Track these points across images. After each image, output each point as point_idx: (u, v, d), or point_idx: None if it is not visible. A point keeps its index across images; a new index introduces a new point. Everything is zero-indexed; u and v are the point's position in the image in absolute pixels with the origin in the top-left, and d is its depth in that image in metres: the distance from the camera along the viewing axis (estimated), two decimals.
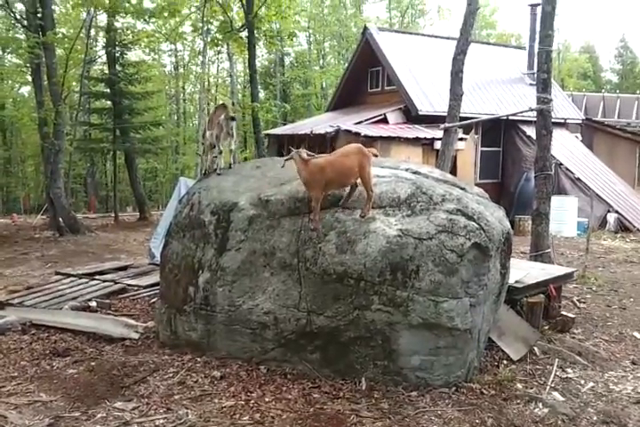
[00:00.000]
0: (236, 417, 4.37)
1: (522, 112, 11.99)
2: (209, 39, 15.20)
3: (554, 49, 10.51)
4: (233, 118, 6.19)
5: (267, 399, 4.68)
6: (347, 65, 21.00)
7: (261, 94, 39.92)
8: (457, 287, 4.72)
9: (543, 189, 9.97)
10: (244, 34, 14.35)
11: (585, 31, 74.40)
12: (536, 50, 19.53)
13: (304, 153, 5.12)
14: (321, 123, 18.37)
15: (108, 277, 8.46)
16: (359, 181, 5.12)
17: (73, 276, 8.47)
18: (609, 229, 15.44)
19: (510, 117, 15.32)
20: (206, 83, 29.88)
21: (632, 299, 8.39)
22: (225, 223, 5.41)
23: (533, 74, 20.21)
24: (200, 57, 28.55)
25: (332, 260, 4.84)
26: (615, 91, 34.04)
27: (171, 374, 5.17)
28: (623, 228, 15.64)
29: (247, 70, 35.20)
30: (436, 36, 19.96)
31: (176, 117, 32.88)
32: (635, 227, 15.24)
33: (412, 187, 5.21)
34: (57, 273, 8.83)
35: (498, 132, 18.49)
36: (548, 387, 5.20)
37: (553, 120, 18.75)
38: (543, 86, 10.19)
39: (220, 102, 6.86)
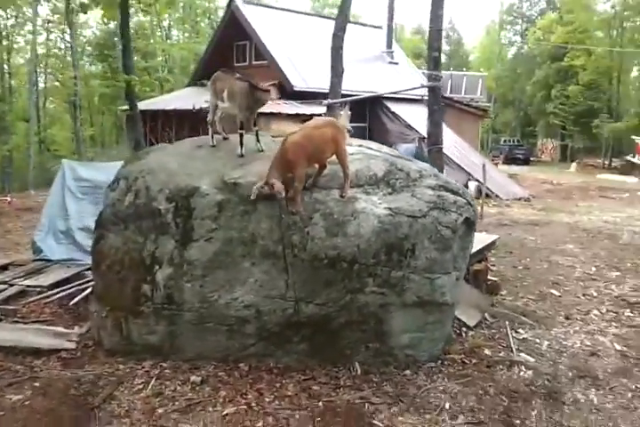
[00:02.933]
0: (249, 425, 3.95)
1: (413, 89, 12.39)
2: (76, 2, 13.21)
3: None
4: None
5: (267, 399, 4.31)
6: (211, 38, 19.99)
7: (94, 67, 36.67)
8: (449, 263, 4.71)
9: (437, 162, 10.46)
10: None
11: (416, 13, 79.85)
12: (393, 29, 20.21)
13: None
14: (185, 98, 17.37)
15: None
16: (333, 158, 4.83)
17: None
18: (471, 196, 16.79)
19: (374, 94, 15.79)
20: (36, 55, 26.66)
21: (528, 259, 9.18)
22: (185, 211, 4.78)
23: (392, 53, 21.12)
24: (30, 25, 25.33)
25: (322, 244, 4.53)
26: (447, 69, 36.77)
27: (140, 386, 4.53)
28: (481, 194, 17.09)
29: (76, 42, 32.14)
30: (302, 13, 19.81)
31: (0, 92, 28.86)
32: (493, 193, 16.71)
33: (386, 163, 5.05)
34: None
35: (363, 108, 18.98)
36: (514, 349, 5.46)
37: (412, 97, 19.73)
38: (434, 64, 10.56)
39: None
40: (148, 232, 4.94)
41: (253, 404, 4.23)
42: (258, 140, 5.30)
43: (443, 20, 10.25)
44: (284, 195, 4.39)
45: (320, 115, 15.13)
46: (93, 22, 33.93)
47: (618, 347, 5.62)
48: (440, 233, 4.60)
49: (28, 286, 6.92)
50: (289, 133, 4.73)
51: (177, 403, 4.28)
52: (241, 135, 5.16)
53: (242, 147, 5.17)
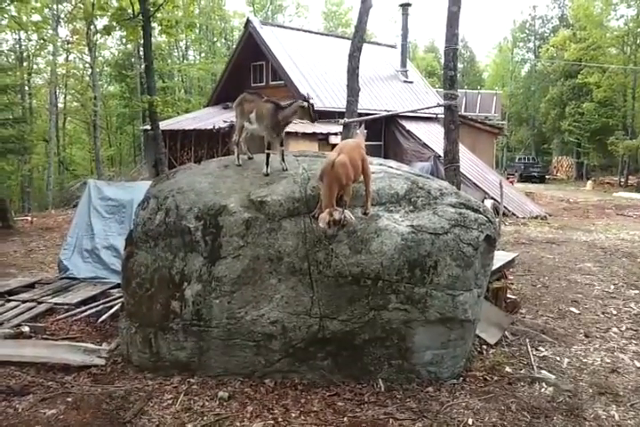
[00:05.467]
0: None
1: (430, 107, 12.53)
2: (99, 26, 13.64)
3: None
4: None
5: (293, 415, 4.40)
6: (229, 58, 20.44)
7: (112, 87, 37.40)
8: (471, 280, 4.80)
9: (453, 180, 10.55)
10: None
11: (429, 31, 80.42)
12: (408, 48, 20.47)
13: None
14: (204, 119, 17.71)
15: (24, 296, 7.36)
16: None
17: None
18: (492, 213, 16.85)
19: (390, 113, 16.02)
20: (57, 76, 27.31)
21: (547, 277, 9.20)
22: (213, 229, 4.94)
23: (406, 71, 21.38)
24: (50, 46, 26.02)
25: (346, 261, 4.66)
26: (460, 87, 37.04)
27: (170, 401, 4.64)
28: (498, 212, 17.12)
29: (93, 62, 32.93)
30: (317, 33, 20.18)
31: (21, 113, 29.53)
32: (510, 211, 16.73)
33: (408, 182, 5.18)
34: None
35: (379, 127, 19.23)
36: (535, 367, 5.50)
37: (427, 115, 19.91)
38: (450, 83, 10.65)
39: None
40: (177, 250, 5.10)
41: (280, 419, 4.32)
42: (283, 160, 5.46)
43: (458, 40, 10.40)
44: (354, 221, 4.48)
45: (336, 133, 15.42)
46: (112, 43, 34.86)
47: (638, 364, 5.64)
48: (462, 250, 4.70)
49: (55, 304, 7.12)
50: (332, 157, 4.76)
51: (205, 418, 4.38)
52: (268, 155, 5.32)
53: (268, 166, 5.33)
